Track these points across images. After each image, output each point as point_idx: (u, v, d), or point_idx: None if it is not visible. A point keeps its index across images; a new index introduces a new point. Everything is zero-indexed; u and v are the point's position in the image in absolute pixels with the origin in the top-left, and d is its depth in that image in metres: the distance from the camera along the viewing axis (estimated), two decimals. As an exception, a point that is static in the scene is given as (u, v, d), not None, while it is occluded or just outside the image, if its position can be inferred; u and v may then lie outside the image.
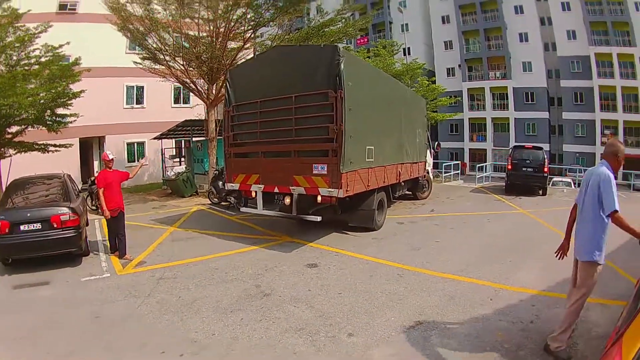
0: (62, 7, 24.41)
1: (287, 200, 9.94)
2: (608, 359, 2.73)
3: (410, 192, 16.60)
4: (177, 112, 26.85)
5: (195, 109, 25.65)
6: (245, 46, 18.41)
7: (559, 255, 5.04)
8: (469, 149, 52.54)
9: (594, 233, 4.55)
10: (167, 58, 17.89)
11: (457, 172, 28.44)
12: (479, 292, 6.64)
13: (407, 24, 47.69)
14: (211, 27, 17.22)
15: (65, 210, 8.21)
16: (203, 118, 20.44)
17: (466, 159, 50.38)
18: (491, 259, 8.57)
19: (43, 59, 15.08)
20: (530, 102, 48.76)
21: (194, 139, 22.95)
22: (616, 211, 4.37)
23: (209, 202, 16.72)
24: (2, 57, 14.49)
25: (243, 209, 11.40)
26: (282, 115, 9.68)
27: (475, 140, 52.52)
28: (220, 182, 15.01)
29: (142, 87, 27.51)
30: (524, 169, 19.01)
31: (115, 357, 4.81)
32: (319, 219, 9.65)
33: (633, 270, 5.92)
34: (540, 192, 19.16)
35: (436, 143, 22.19)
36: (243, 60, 16.70)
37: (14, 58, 14.52)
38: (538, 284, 6.95)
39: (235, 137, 10.92)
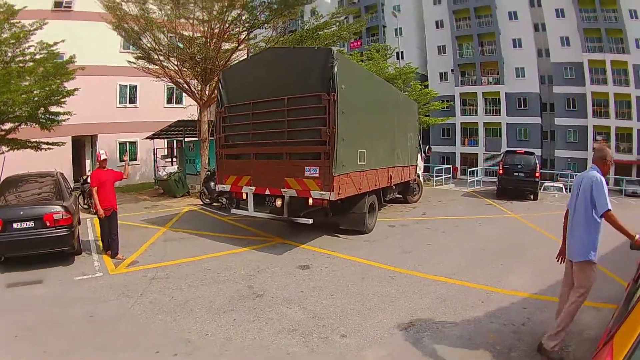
0: (57, 4, 24.31)
1: (279, 203, 9.89)
2: (599, 359, 2.78)
3: (401, 196, 16.64)
4: (169, 112, 26.78)
5: (188, 109, 25.60)
6: (239, 47, 18.41)
7: (560, 259, 5.17)
8: (461, 153, 52.86)
9: (588, 234, 4.68)
10: (161, 58, 17.85)
11: (449, 176, 28.61)
12: (471, 294, 6.69)
13: (400, 28, 47.95)
14: (206, 28, 17.22)
15: (58, 208, 8.17)
16: (196, 118, 20.41)
17: (458, 163, 50.67)
18: (483, 262, 8.62)
19: (38, 56, 14.98)
20: (522, 107, 49.16)
21: (186, 139, 22.92)
22: (609, 210, 4.50)
23: (201, 202, 16.70)
24: (-3, 54, 14.43)
25: (234, 211, 11.42)
26: (274, 117, 9.64)
27: (467, 145, 52.82)
28: (212, 183, 14.99)
29: (136, 87, 27.44)
30: (515, 173, 19.10)
31: (111, 357, 4.80)
32: (310, 221, 9.63)
33: (624, 273, 5.99)
34: (532, 196, 19.25)
35: (427, 147, 22.31)
36: (237, 61, 16.70)
37: (9, 55, 14.41)
38: (529, 287, 7.01)
39: (227, 139, 10.88)
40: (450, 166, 32.00)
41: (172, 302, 6.42)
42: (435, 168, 28.15)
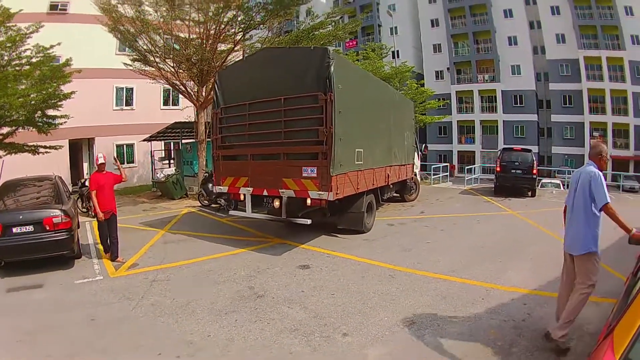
0: (53, 7, 24.30)
1: (277, 203, 9.84)
2: (600, 352, 2.81)
3: (398, 195, 16.65)
4: (166, 114, 26.72)
5: (185, 111, 25.60)
6: (236, 48, 18.40)
7: None
8: (458, 151, 52.95)
9: (589, 227, 4.77)
10: (158, 60, 17.83)
11: (446, 174, 28.65)
12: (471, 291, 6.73)
13: (396, 27, 47.97)
14: (201, 30, 17.20)
15: (57, 212, 8.16)
16: (193, 120, 20.40)
17: (455, 161, 50.72)
18: (482, 259, 8.66)
19: (34, 60, 14.97)
20: (519, 104, 49.25)
21: (183, 141, 22.90)
22: (608, 203, 4.59)
23: (199, 204, 16.71)
24: (-7, 57, 14.42)
25: (232, 212, 11.38)
26: (271, 118, 9.61)
27: (464, 143, 52.90)
28: (210, 185, 14.97)
29: (132, 89, 27.41)
30: (513, 170, 19.17)
31: None
32: (308, 222, 9.63)
33: (623, 268, 6.03)
34: (529, 193, 19.29)
35: (423, 145, 22.32)
36: (233, 62, 16.69)
37: (5, 58, 14.38)
38: (528, 283, 7.05)
39: (224, 140, 10.87)
40: (448, 164, 32.03)
41: (174, 304, 6.42)
42: (433, 166, 28.20)
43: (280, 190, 9.48)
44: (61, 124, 16.73)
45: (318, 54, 9.04)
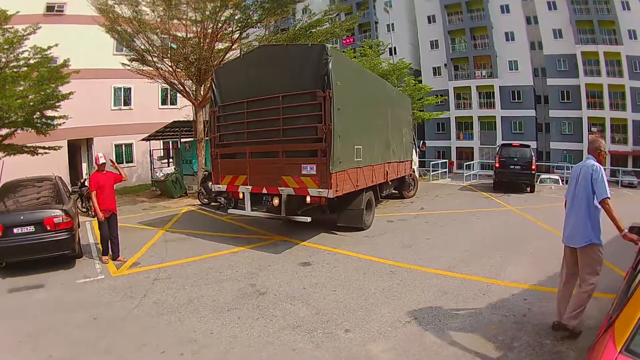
0: (49, 8, 24.29)
1: (276, 201, 9.85)
2: (601, 345, 2.84)
3: (397, 191, 16.66)
4: (164, 113, 26.76)
5: (183, 110, 25.61)
6: (233, 47, 18.40)
7: None
8: (456, 147, 52.90)
9: (589, 219, 4.86)
10: (155, 59, 17.82)
11: (445, 170, 28.71)
12: (471, 287, 6.76)
13: (393, 24, 47.80)
14: (199, 29, 17.19)
15: (58, 212, 8.17)
16: (191, 119, 20.41)
17: (453, 157, 50.70)
18: (482, 255, 8.69)
19: (32, 61, 14.96)
20: (516, 100, 49.20)
21: (182, 139, 22.91)
22: (607, 198, 4.67)
23: (199, 202, 16.73)
24: (-9, 59, 14.41)
25: (231, 211, 11.41)
26: (269, 116, 9.61)
27: (462, 139, 52.90)
28: (210, 183, 14.97)
29: (130, 89, 27.47)
30: (511, 166, 19.21)
31: (117, 359, 4.82)
32: (308, 219, 9.63)
33: (622, 263, 6.06)
34: (528, 189, 19.35)
35: (421, 142, 22.35)
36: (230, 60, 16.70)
37: (3, 60, 14.37)
38: (529, 278, 7.09)
39: (222, 138, 10.86)
40: (447, 160, 32.06)
41: (176, 302, 6.45)
42: (432, 163, 28.23)
43: (279, 188, 9.48)
44: (60, 124, 16.73)
45: (316, 51, 9.03)
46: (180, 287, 7.14)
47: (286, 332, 5.30)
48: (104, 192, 8.66)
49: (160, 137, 23.79)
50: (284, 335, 5.22)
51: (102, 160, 8.80)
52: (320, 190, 8.86)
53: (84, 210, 14.77)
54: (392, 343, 4.97)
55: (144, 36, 17.05)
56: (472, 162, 32.09)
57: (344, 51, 34.28)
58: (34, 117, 15.63)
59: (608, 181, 4.99)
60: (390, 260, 8.32)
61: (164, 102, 29.50)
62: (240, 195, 10.43)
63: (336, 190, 8.93)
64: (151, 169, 24.34)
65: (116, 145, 27.04)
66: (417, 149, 19.72)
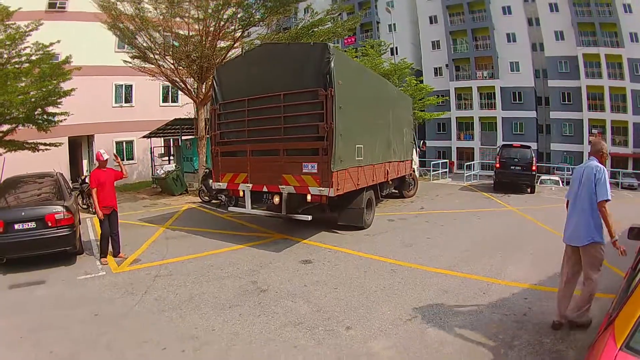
0: (51, 5, 24.32)
1: (276, 200, 9.86)
2: (601, 342, 2.86)
3: (397, 191, 16.66)
4: (165, 111, 26.82)
5: (185, 107, 25.63)
6: (235, 45, 18.41)
7: None
8: (457, 147, 52.89)
9: (592, 219, 4.93)
10: (157, 57, 17.83)
11: (445, 170, 28.73)
12: (472, 286, 6.77)
13: (394, 24, 47.77)
14: (201, 27, 17.20)
15: (59, 208, 8.17)
16: (192, 117, 20.43)
17: (454, 158, 50.69)
18: (482, 254, 8.70)
19: (34, 57, 14.95)
20: (517, 101, 49.18)
21: (183, 137, 22.93)
22: (607, 201, 4.79)
23: (200, 200, 16.75)
24: (-7, 55, 14.41)
25: (231, 208, 11.43)
26: (270, 114, 9.61)
27: (463, 139, 52.88)
28: (211, 181, 15.00)
29: (131, 86, 27.51)
30: (512, 167, 19.23)
31: (118, 356, 4.81)
32: (309, 218, 9.66)
33: (621, 264, 6.07)
34: (529, 190, 19.37)
35: (421, 142, 22.36)
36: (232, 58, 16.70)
37: (5, 56, 14.37)
38: (529, 278, 7.10)
39: (223, 136, 10.85)
40: (447, 160, 32.06)
41: (177, 298, 6.46)
42: (432, 162, 28.25)
43: (280, 187, 9.47)
44: (61, 121, 16.72)
45: (318, 49, 9.04)
46: (181, 284, 7.15)
47: (288, 329, 5.31)
48: (104, 189, 8.59)
49: (162, 134, 23.83)
50: (285, 332, 5.24)
51: (105, 157, 8.76)
52: (321, 188, 8.86)
53: (85, 207, 14.78)
54: (393, 340, 4.99)
55: (146, 34, 17.06)
56: (472, 162, 32.10)
57: (345, 51, 34.23)
58: (35, 113, 15.60)
59: (610, 183, 5.03)
60: (391, 259, 8.34)
61: (165, 100, 29.56)
62: (241, 193, 10.44)
63: (337, 189, 8.94)
64: (152, 166, 24.37)
65: (117, 143, 27.09)
66: (417, 149, 19.73)
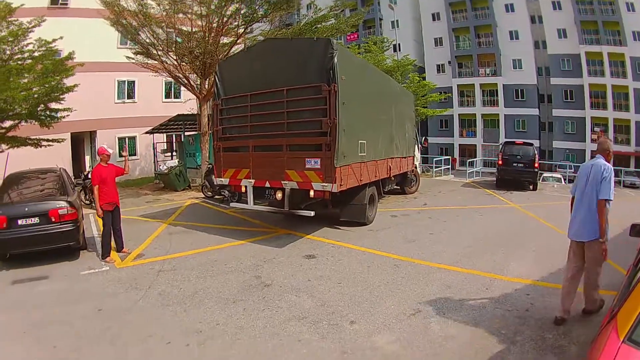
0: (53, 1, 24.26)
1: (279, 195, 9.84)
2: (604, 335, 2.89)
3: (399, 187, 16.67)
4: (168, 107, 26.82)
5: (187, 103, 25.64)
6: (238, 41, 18.40)
7: None
8: (459, 144, 52.92)
9: (597, 215, 4.97)
10: (160, 53, 17.84)
11: (448, 167, 28.73)
12: (475, 281, 6.79)
13: (397, 21, 47.69)
14: (204, 23, 17.19)
15: (63, 204, 8.18)
16: (196, 112, 20.44)
17: (456, 154, 50.73)
18: (485, 250, 8.71)
19: (36, 54, 14.97)
20: (520, 99, 49.15)
21: (186, 133, 22.95)
22: (608, 200, 4.88)
23: (203, 195, 16.77)
24: (-4, 52, 14.42)
25: (233, 204, 11.39)
26: (273, 109, 9.57)
27: (465, 136, 52.87)
28: (214, 176, 15.02)
29: (134, 82, 27.53)
30: (514, 164, 19.20)
31: (122, 350, 4.83)
32: (312, 213, 9.64)
33: (623, 262, 6.09)
34: (531, 187, 19.34)
35: (423, 138, 22.34)
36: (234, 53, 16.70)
37: (8, 52, 14.40)
38: (531, 274, 7.11)
39: (225, 131, 10.81)
40: (449, 157, 32.05)
41: (181, 293, 6.48)
42: (435, 159, 28.26)
43: (282, 182, 9.46)
44: (63, 117, 16.77)
45: (321, 45, 9.00)
46: (185, 278, 7.16)
47: (292, 324, 5.33)
48: (107, 186, 8.53)
49: (164, 130, 23.85)
50: (289, 327, 5.26)
51: (110, 151, 8.75)
52: (324, 184, 8.83)
53: (88, 202, 14.81)
54: (397, 335, 5.01)
55: (149, 30, 17.04)
56: (474, 159, 32.09)
57: (348, 47, 34.18)
58: (38, 109, 15.66)
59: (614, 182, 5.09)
60: (394, 254, 8.35)
61: (167, 96, 29.61)
62: (243, 189, 10.42)
63: (340, 185, 8.92)
64: (154, 162, 24.40)
65: (119, 138, 27.09)
66: (419, 145, 19.72)
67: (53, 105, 16.22)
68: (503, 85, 49.48)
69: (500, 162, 19.63)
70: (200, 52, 17.21)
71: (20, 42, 14.76)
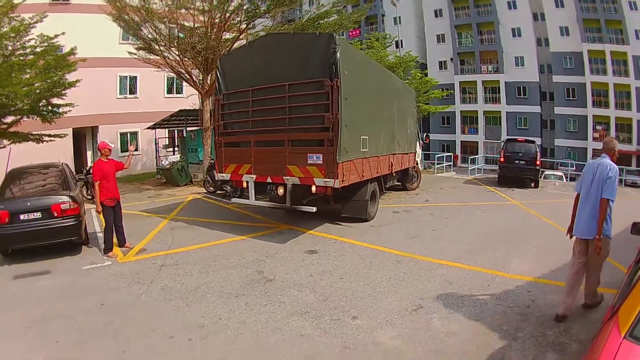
0: (56, -3, 24.26)
1: (281, 191, 9.80)
2: (605, 332, 2.91)
3: (400, 183, 16.67)
4: (170, 102, 26.85)
5: (190, 99, 25.64)
6: (240, 37, 18.40)
7: (569, 235, 5.47)
8: (461, 141, 52.79)
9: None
10: (162, 48, 17.83)
11: (449, 163, 28.73)
12: (476, 278, 6.79)
13: (399, 17, 47.60)
14: (206, 18, 17.18)
15: (65, 198, 8.16)
16: (198, 108, 20.46)
17: (458, 151, 50.64)
18: (486, 247, 8.72)
19: (38, 49, 14.96)
20: (522, 96, 49.01)
21: (188, 128, 22.96)
22: (611, 200, 4.95)
23: (205, 191, 16.79)
24: (-2, 47, 14.42)
25: (235, 200, 11.38)
26: (274, 104, 9.53)
27: (467, 133, 52.77)
28: (215, 171, 15.03)
29: (135, 77, 27.53)
30: (516, 161, 19.21)
31: (124, 344, 4.82)
32: (314, 209, 9.61)
33: (624, 260, 6.10)
34: (532, 184, 19.36)
35: (425, 134, 22.33)
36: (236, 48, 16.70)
37: (9, 48, 14.39)
38: (532, 271, 7.12)
39: (226, 126, 10.77)
40: (451, 154, 32.05)
41: (184, 288, 6.48)
42: (437, 156, 28.27)
43: (284, 178, 9.45)
44: (65, 112, 16.76)
45: (324, 40, 8.99)
46: (187, 273, 7.18)
47: (294, 319, 5.34)
48: (108, 181, 8.51)
49: (166, 125, 23.88)
50: (292, 322, 5.27)
51: (112, 146, 8.74)
52: (326, 180, 8.82)
53: (89, 197, 14.81)
54: (399, 330, 5.02)
55: (152, 25, 17.04)
56: (476, 156, 32.09)
57: (350, 43, 34.17)
58: (40, 105, 15.64)
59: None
60: (395, 250, 8.36)
61: (169, 91, 29.62)
62: (245, 185, 10.40)
63: (342, 180, 8.91)
64: (156, 157, 24.43)
65: (121, 134, 27.13)
66: (421, 142, 19.72)
67: (55, 101, 16.21)
68: (505, 82, 49.34)
69: (502, 160, 19.65)
70: (203, 47, 17.21)
71: (22, 38, 14.72)
